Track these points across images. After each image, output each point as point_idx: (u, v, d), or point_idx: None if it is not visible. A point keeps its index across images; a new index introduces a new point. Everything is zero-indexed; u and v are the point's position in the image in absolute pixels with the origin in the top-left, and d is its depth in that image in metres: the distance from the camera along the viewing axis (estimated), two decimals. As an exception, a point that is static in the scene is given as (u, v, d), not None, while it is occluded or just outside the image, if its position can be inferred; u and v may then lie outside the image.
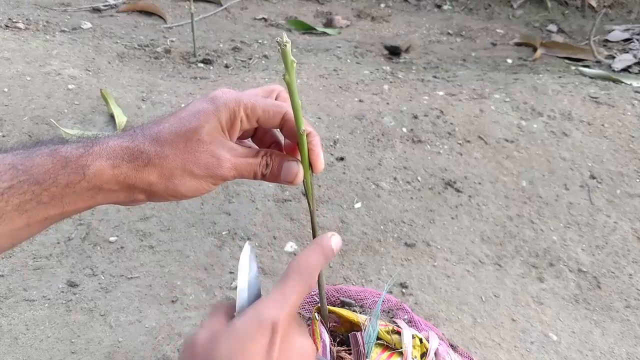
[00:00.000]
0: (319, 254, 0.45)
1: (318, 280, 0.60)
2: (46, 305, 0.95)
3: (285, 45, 0.44)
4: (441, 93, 1.57)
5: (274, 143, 0.53)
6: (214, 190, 0.48)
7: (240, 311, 0.40)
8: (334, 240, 0.47)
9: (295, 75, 0.46)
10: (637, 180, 1.31)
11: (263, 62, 1.85)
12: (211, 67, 1.80)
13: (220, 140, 0.46)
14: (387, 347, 0.71)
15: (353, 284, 1.02)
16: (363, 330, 0.70)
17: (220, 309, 0.42)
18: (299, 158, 0.50)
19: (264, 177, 0.49)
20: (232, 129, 0.47)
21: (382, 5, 2.60)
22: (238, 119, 0.47)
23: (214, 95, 0.47)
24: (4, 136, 1.26)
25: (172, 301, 0.98)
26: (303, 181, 0.51)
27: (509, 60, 2.00)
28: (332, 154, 1.31)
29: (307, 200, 0.53)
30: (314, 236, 0.57)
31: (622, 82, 1.68)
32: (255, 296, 0.43)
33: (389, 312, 0.85)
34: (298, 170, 0.49)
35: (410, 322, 0.80)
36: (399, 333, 0.71)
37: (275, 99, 0.51)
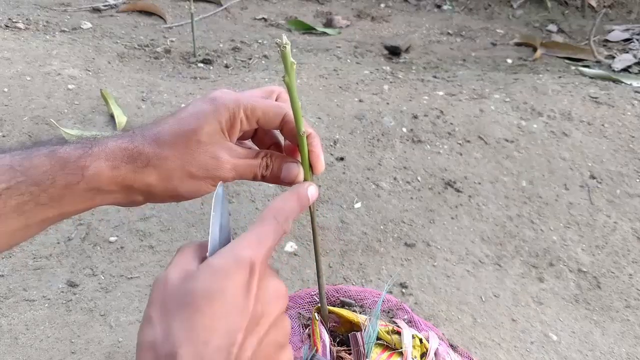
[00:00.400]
0: (295, 201, 0.45)
1: (318, 281, 0.60)
2: (46, 305, 0.95)
3: (285, 46, 0.44)
4: (441, 93, 1.57)
5: (274, 144, 0.53)
6: (213, 191, 0.48)
7: (213, 252, 0.39)
8: (311, 190, 0.47)
9: (295, 76, 0.46)
10: (637, 180, 1.31)
11: (263, 62, 1.85)
12: (211, 67, 1.80)
13: (220, 141, 0.46)
14: (387, 347, 0.71)
15: (353, 284, 1.02)
16: (363, 330, 0.70)
17: (190, 249, 0.41)
18: (299, 159, 0.50)
19: (264, 179, 0.49)
20: (232, 130, 0.47)
21: (382, 5, 2.60)
22: (238, 120, 0.46)
23: (213, 96, 0.47)
24: (4, 136, 1.26)
25: (172, 301, 0.98)
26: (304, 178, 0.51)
27: (509, 60, 2.00)
28: (332, 154, 1.31)
29: None
30: (314, 236, 0.57)
31: (622, 82, 1.68)
32: (226, 239, 0.43)
33: (389, 312, 0.85)
34: (298, 171, 0.49)
35: (410, 322, 0.80)
36: (399, 333, 0.71)
37: (275, 100, 0.51)
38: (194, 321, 0.35)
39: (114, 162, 0.43)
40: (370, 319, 0.72)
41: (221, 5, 2.35)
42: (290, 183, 0.49)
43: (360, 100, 1.50)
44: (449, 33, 2.31)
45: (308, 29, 2.23)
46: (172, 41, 1.96)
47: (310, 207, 0.53)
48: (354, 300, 0.83)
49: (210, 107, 0.46)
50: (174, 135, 0.44)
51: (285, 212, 0.43)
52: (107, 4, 2.16)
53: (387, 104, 1.48)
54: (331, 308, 0.74)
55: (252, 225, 0.42)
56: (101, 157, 0.42)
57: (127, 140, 0.44)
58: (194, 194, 0.46)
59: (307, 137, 0.48)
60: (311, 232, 0.55)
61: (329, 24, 2.32)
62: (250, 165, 0.47)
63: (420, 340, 0.72)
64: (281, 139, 0.53)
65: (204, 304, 0.35)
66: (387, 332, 0.71)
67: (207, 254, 0.40)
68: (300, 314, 0.79)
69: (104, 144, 0.43)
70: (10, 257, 1.04)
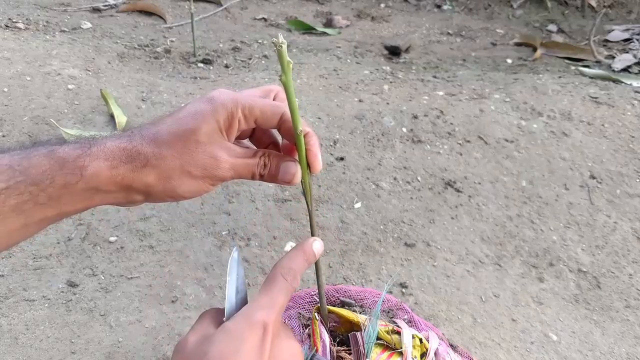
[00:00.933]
0: (302, 259, 0.47)
1: (318, 281, 0.60)
2: (46, 305, 0.95)
3: (282, 46, 0.44)
4: (441, 93, 1.57)
5: (271, 143, 0.53)
6: (212, 190, 0.49)
7: (230, 315, 0.41)
8: (316, 246, 0.49)
9: (292, 75, 0.46)
10: (637, 180, 1.31)
11: (263, 62, 1.85)
12: (211, 67, 1.80)
13: (218, 140, 0.46)
14: (387, 347, 0.71)
15: (353, 284, 1.02)
16: (363, 330, 0.70)
17: (208, 315, 0.43)
18: (297, 158, 0.50)
19: (262, 178, 0.49)
20: (230, 129, 0.47)
21: (382, 5, 2.60)
22: (236, 119, 0.46)
23: (211, 95, 0.47)
24: (3, 136, 1.26)
25: (172, 301, 0.98)
26: (301, 181, 0.51)
27: (509, 60, 2.00)
28: (332, 154, 1.31)
29: (306, 200, 0.53)
30: (312, 236, 0.57)
31: (622, 82, 1.68)
32: (243, 301, 0.45)
33: (388, 312, 0.85)
34: (296, 170, 0.49)
35: (410, 322, 0.80)
36: (399, 333, 0.71)
37: (273, 99, 0.51)
38: None
39: (113, 161, 0.43)
40: (370, 318, 0.72)
41: (221, 5, 2.35)
42: (288, 182, 0.49)
43: (360, 100, 1.50)
44: (449, 33, 2.31)
45: (308, 29, 2.23)
46: (172, 41, 1.96)
47: (308, 207, 0.53)
48: (354, 300, 0.83)
49: (209, 106, 0.46)
50: (173, 135, 0.44)
51: (293, 270, 0.44)
52: (107, 4, 2.16)
53: (387, 104, 1.48)
54: (331, 308, 0.74)
55: (263, 286, 0.43)
56: (100, 157, 0.42)
57: (126, 140, 0.44)
58: (192, 193, 0.46)
59: (304, 136, 0.48)
60: (310, 232, 0.55)
61: (329, 24, 2.32)
62: (248, 164, 0.47)
63: (420, 340, 0.72)
64: (279, 138, 0.53)
65: None
66: (387, 332, 0.71)
67: (224, 318, 0.42)
68: (300, 314, 0.79)
69: (103, 144, 0.43)
70: (10, 257, 1.04)
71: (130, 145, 0.43)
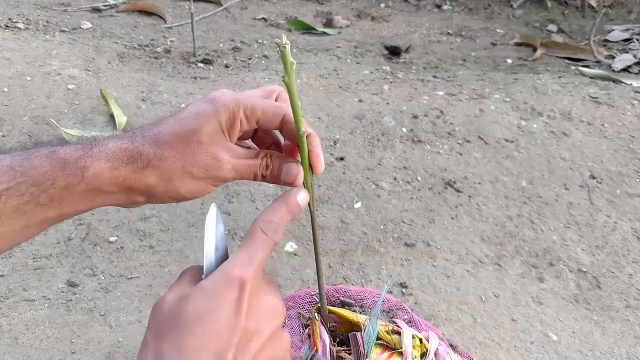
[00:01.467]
0: (284, 211, 0.45)
1: (318, 281, 0.60)
2: (46, 305, 0.95)
3: (285, 47, 0.44)
4: (441, 93, 1.57)
5: (273, 144, 0.53)
6: (214, 191, 0.48)
7: (209, 273, 0.40)
8: (301, 196, 0.47)
9: (295, 76, 0.46)
10: (637, 180, 1.31)
11: (263, 62, 1.85)
12: (211, 67, 1.80)
13: (220, 141, 0.46)
14: (387, 347, 0.71)
15: (353, 284, 1.02)
16: (363, 330, 0.70)
17: (188, 273, 0.42)
18: (299, 159, 0.50)
19: (264, 179, 0.49)
20: (232, 130, 0.47)
21: (382, 5, 2.60)
22: (238, 120, 0.46)
23: (213, 96, 0.47)
24: (3, 136, 1.26)
25: (172, 301, 0.98)
26: (303, 182, 0.51)
27: (509, 60, 2.00)
28: (332, 154, 1.31)
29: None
30: (314, 237, 0.57)
31: (622, 82, 1.68)
32: (223, 258, 0.43)
33: (388, 312, 0.85)
34: (298, 171, 0.49)
35: (410, 322, 0.80)
36: (399, 333, 0.71)
37: (275, 100, 0.51)
38: (184, 342, 0.35)
39: (114, 162, 0.43)
40: (370, 319, 0.72)
41: (221, 5, 2.35)
42: (291, 183, 0.49)
43: (360, 100, 1.50)
44: (449, 33, 2.31)
45: (308, 29, 2.23)
46: (172, 41, 1.96)
47: (310, 207, 0.53)
48: (354, 300, 0.83)
49: (210, 107, 0.46)
50: (174, 136, 0.44)
51: (274, 223, 0.43)
52: (107, 3, 2.16)
53: (387, 104, 1.48)
54: (331, 308, 0.74)
55: (243, 240, 0.42)
56: (101, 158, 0.42)
57: (127, 141, 0.44)
58: (194, 194, 0.46)
59: (307, 137, 0.48)
60: (311, 232, 0.55)
61: (329, 23, 2.32)
62: (250, 165, 0.47)
63: (420, 340, 0.72)
64: (281, 139, 0.53)
65: (193, 324, 0.36)
66: (387, 332, 0.71)
67: (203, 276, 0.41)
68: (300, 314, 0.79)
69: (104, 145, 0.43)
70: (10, 257, 1.04)
71: (132, 146, 0.43)
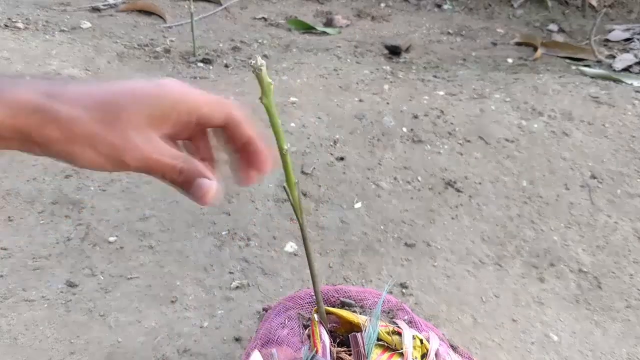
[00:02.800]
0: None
1: (314, 288, 0.59)
2: (45, 305, 0.95)
3: (261, 69, 0.43)
4: (441, 93, 1.57)
5: (209, 159, 0.49)
6: (114, 172, 0.46)
7: None
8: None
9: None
10: (638, 180, 1.31)
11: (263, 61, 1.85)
12: (211, 67, 1.80)
13: (141, 127, 0.43)
14: (387, 347, 0.70)
15: (353, 284, 1.02)
16: (363, 331, 0.69)
17: None
18: (215, 177, 0.46)
19: (173, 183, 0.45)
20: (164, 120, 0.44)
21: (382, 4, 2.60)
22: (175, 111, 0.44)
23: (161, 81, 0.44)
24: (3, 136, 1.26)
25: (172, 301, 0.98)
26: (289, 197, 0.50)
27: (510, 60, 2.00)
28: (332, 154, 1.30)
29: (296, 215, 0.52)
30: (306, 251, 0.56)
31: (622, 81, 1.67)
32: None
33: (389, 312, 0.85)
34: (209, 189, 0.45)
35: (410, 323, 0.80)
36: (399, 334, 0.71)
37: (230, 116, 0.47)
38: None
39: (18, 111, 0.40)
40: (370, 319, 0.71)
41: (221, 5, 2.34)
42: (199, 198, 0.45)
43: (360, 100, 1.50)
44: (449, 33, 2.31)
45: (308, 29, 2.23)
46: (171, 41, 1.96)
47: (299, 221, 0.52)
48: (354, 300, 0.83)
49: (152, 90, 0.43)
50: (98, 102, 0.42)
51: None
52: (106, 3, 2.16)
53: (387, 103, 1.48)
54: (331, 309, 0.74)
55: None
56: (5, 105, 0.39)
57: (42, 93, 0.41)
58: (90, 166, 0.43)
59: (249, 140, 0.46)
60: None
61: (329, 23, 2.32)
62: (161, 163, 0.44)
63: (421, 340, 0.72)
64: (217, 155, 0.49)
65: None
66: (388, 333, 0.71)
67: None
68: (300, 314, 0.79)
69: (16, 92, 0.40)
70: (10, 257, 1.03)
71: (42, 100, 0.41)
